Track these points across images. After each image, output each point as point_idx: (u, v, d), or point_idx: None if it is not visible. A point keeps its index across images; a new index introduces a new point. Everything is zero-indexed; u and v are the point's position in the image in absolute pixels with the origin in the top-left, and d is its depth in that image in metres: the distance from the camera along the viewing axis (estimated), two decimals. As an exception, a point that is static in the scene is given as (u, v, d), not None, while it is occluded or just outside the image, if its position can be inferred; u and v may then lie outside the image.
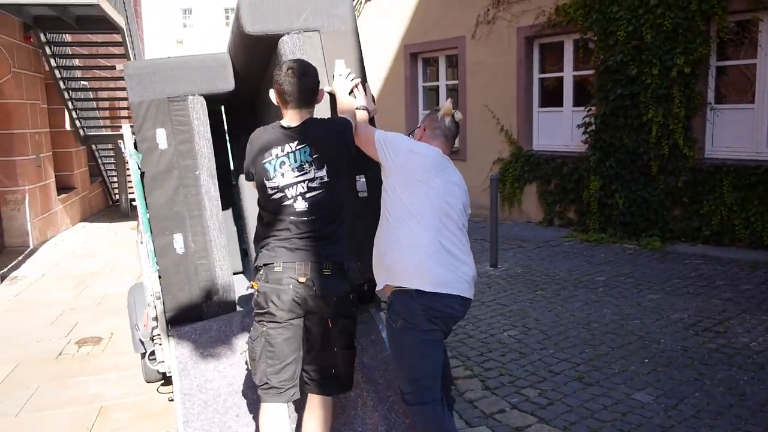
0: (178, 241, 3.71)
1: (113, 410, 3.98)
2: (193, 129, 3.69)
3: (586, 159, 8.22)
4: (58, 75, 10.69)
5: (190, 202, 3.70)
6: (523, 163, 9.19)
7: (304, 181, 2.68)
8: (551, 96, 9.19)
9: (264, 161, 2.72)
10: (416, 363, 2.74)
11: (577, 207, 8.52)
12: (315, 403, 2.82)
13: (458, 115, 2.95)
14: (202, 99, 3.71)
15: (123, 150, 3.54)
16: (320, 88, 2.83)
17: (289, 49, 3.32)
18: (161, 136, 3.64)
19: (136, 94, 3.62)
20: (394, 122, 11.18)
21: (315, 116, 2.84)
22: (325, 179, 2.70)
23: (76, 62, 11.70)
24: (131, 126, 3.63)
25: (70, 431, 3.70)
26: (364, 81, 3.28)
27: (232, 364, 3.48)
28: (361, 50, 3.44)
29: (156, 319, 3.65)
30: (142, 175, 3.59)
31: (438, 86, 10.89)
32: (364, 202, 3.31)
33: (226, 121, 4.80)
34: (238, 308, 3.99)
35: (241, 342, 3.59)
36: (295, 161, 2.69)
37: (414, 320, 2.70)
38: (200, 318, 3.78)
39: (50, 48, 10.41)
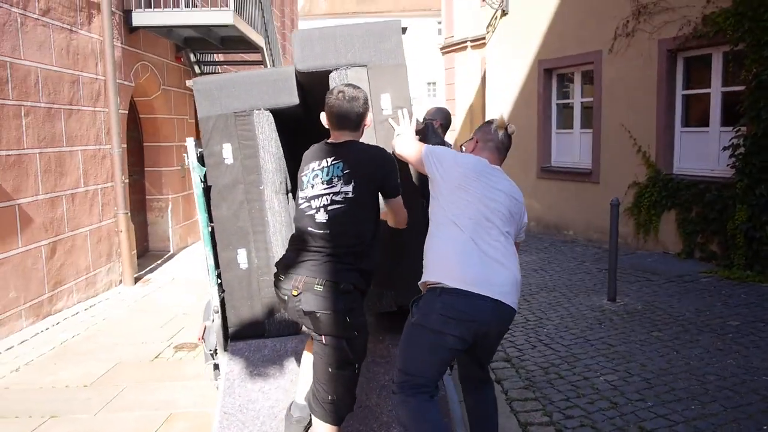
0: (242, 256, 3.70)
1: (179, 419, 4.04)
2: (258, 144, 3.67)
3: (733, 185, 7.29)
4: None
5: (254, 218, 3.68)
6: (661, 187, 8.36)
7: (329, 194, 2.73)
8: (696, 115, 8.30)
9: (302, 174, 2.85)
10: (414, 360, 2.69)
11: (720, 239, 7.57)
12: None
13: (512, 128, 3.00)
14: (268, 114, 3.68)
15: (186, 163, 3.58)
16: (368, 113, 2.93)
17: (334, 85, 3.38)
18: (227, 151, 3.66)
19: (204, 109, 3.67)
20: (526, 141, 10.72)
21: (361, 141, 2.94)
22: (350, 195, 2.71)
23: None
24: (196, 140, 3.67)
25: (133, 436, 3.78)
26: (409, 109, 3.39)
27: (278, 386, 3.40)
28: (407, 83, 3.48)
29: (213, 332, 3.65)
30: (205, 189, 3.62)
31: (572, 104, 10.27)
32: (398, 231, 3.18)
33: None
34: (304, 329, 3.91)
35: (293, 365, 3.49)
36: (327, 175, 2.75)
37: (427, 321, 2.65)
38: (263, 335, 3.73)
39: (199, 67, 11.18)
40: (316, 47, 3.49)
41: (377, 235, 2.86)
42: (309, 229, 2.73)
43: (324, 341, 2.68)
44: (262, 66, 11.17)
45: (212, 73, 11.66)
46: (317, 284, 2.63)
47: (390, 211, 2.98)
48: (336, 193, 2.72)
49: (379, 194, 2.84)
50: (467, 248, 2.67)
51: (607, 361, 4.72)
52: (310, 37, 3.51)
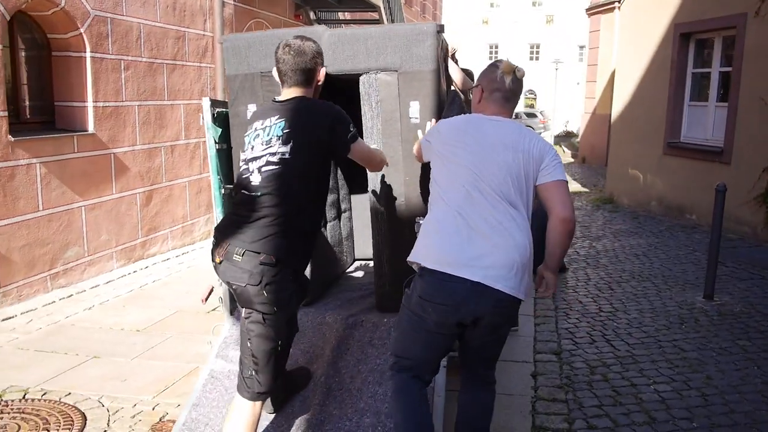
0: (260, 220, 3.64)
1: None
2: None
3: None
4: (326, 51, 11.55)
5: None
6: (801, 173, 7.25)
7: (266, 155, 2.56)
8: None
9: (246, 134, 2.69)
10: (400, 342, 2.59)
11: None
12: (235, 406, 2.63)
13: (521, 71, 2.61)
14: None
15: (201, 122, 3.56)
16: (320, 67, 2.73)
17: (365, 90, 3.40)
18: (251, 112, 3.59)
19: (232, 67, 3.62)
20: (653, 113, 9.75)
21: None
22: (286, 156, 2.54)
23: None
24: (213, 100, 3.63)
25: (153, 383, 3.92)
26: (437, 118, 3.17)
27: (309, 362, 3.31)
28: (440, 90, 3.37)
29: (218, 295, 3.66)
30: (219, 150, 3.59)
31: (710, 73, 9.13)
32: None
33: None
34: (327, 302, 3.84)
35: (308, 329, 3.41)
36: (267, 135, 2.59)
37: (409, 303, 2.51)
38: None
39: (319, 24, 11.27)
40: (347, 50, 3.40)
41: (318, 203, 2.69)
42: (243, 192, 2.58)
43: (243, 314, 2.57)
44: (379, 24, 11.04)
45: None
46: (236, 254, 2.47)
47: (361, 162, 2.78)
48: (272, 154, 2.55)
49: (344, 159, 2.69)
50: (452, 225, 2.40)
51: (668, 368, 4.19)
52: (341, 38, 3.40)
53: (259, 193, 2.53)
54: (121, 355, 4.36)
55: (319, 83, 2.74)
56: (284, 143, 2.55)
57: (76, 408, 3.55)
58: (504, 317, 2.49)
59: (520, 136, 2.48)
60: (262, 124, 2.64)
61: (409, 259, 2.56)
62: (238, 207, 2.61)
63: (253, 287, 2.47)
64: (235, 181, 2.77)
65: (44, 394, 3.72)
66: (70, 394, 3.73)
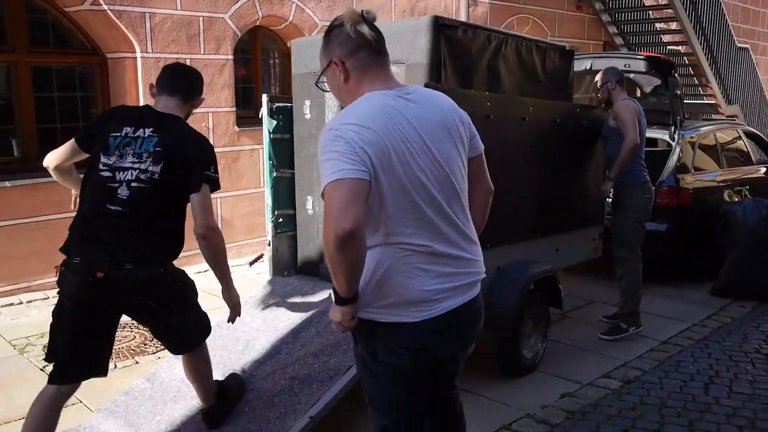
0: (309, 203, 4.19)
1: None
2: (324, 102, 4.01)
3: None
4: (620, 41, 10.94)
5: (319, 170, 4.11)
6: None
7: (137, 170, 2.57)
8: None
9: (112, 133, 2.63)
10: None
11: None
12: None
13: (370, 14, 1.98)
14: None
15: (259, 115, 4.19)
16: (197, 97, 2.83)
17: None
18: (307, 107, 4.13)
19: (295, 67, 4.21)
20: None
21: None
22: (156, 177, 2.57)
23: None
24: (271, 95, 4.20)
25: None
26: None
27: (268, 326, 3.81)
28: (439, 80, 3.48)
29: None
30: (272, 140, 4.17)
31: None
32: None
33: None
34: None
35: (298, 311, 3.86)
36: (140, 147, 2.59)
37: None
38: (317, 275, 4.19)
39: (611, 15, 10.72)
40: None
41: (176, 229, 2.71)
42: (107, 204, 2.56)
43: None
44: (670, 11, 9.95)
45: (630, 21, 10.98)
46: (127, 262, 2.54)
47: (194, 210, 2.63)
48: (143, 171, 2.56)
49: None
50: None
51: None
52: None
53: (129, 210, 2.55)
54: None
55: (191, 112, 2.83)
56: (155, 162, 2.57)
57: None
58: None
59: (438, 105, 2.01)
60: (134, 132, 2.61)
61: None
62: (94, 216, 2.58)
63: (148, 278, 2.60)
64: (89, 182, 2.65)
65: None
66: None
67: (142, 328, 4.71)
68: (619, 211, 4.58)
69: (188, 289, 2.92)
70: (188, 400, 3.24)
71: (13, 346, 4.35)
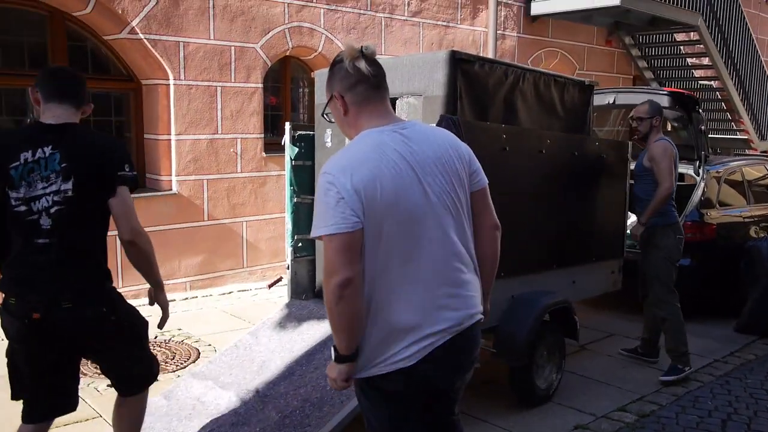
0: (329, 229, 4.27)
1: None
2: (346, 132, 4.12)
3: None
4: (649, 76, 10.95)
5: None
6: None
7: (50, 194, 2.37)
8: None
9: (11, 165, 2.37)
10: None
11: None
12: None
13: (369, 49, 2.05)
14: None
15: (282, 142, 4.32)
16: (87, 103, 2.60)
17: (398, 112, 3.77)
18: (328, 135, 4.25)
19: (318, 96, 4.35)
20: None
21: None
22: (69, 194, 2.38)
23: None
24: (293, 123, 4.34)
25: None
26: None
27: (283, 348, 3.88)
28: (455, 112, 3.58)
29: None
30: (293, 167, 4.29)
31: None
32: None
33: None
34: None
35: (312, 334, 3.92)
36: (45, 169, 2.37)
37: None
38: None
39: (641, 50, 10.74)
40: (389, 76, 3.76)
41: (102, 241, 2.54)
42: (33, 239, 2.38)
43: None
44: (701, 46, 9.94)
45: (660, 56, 10.99)
46: (65, 301, 2.40)
47: (114, 214, 2.46)
48: (56, 192, 2.37)
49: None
50: None
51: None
52: (386, 65, 3.79)
53: (56, 239, 2.38)
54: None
55: (84, 114, 2.57)
56: (65, 180, 2.37)
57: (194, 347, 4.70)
58: None
59: (436, 141, 2.07)
60: (33, 156, 2.37)
61: None
62: (27, 254, 2.40)
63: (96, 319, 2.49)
64: (8, 222, 2.41)
65: (185, 339, 4.98)
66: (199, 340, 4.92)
67: (164, 345, 4.83)
68: (652, 252, 4.48)
69: (136, 328, 2.74)
70: (202, 418, 3.33)
71: None
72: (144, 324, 2.78)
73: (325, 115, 2.23)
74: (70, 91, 2.51)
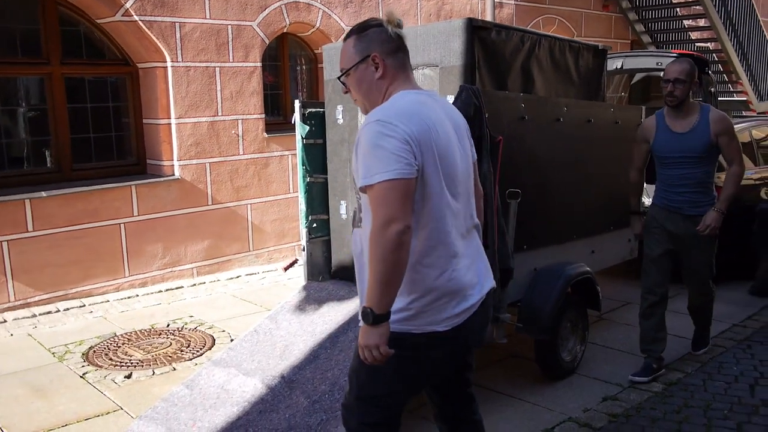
0: (343, 207, 4.19)
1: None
2: (357, 107, 3.99)
3: None
4: (647, 40, 10.82)
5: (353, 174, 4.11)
6: None
7: None
8: None
9: None
10: None
11: None
12: None
13: (401, 21, 2.09)
14: None
15: (292, 121, 4.20)
16: None
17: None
18: (339, 112, 4.13)
19: (327, 72, 4.21)
20: None
21: None
22: None
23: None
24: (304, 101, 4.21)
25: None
26: None
27: (305, 331, 3.80)
28: (473, 82, 3.43)
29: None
30: (305, 145, 4.17)
31: None
32: None
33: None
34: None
35: (331, 317, 3.84)
36: None
37: None
38: (352, 279, 4.19)
39: (638, 13, 10.60)
40: None
41: None
42: None
43: None
44: (699, 8, 9.81)
45: (657, 19, 10.84)
46: None
47: None
48: None
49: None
50: None
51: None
52: None
53: None
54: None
55: None
56: None
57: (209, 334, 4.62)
58: None
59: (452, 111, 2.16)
60: None
61: None
62: None
63: None
64: None
65: (198, 326, 4.90)
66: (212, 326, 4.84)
67: (177, 333, 4.75)
68: (706, 244, 3.87)
69: None
70: (228, 407, 3.26)
71: (53, 353, 4.40)
72: None
73: (342, 80, 2.15)
74: None
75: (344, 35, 2.05)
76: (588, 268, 3.97)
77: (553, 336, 3.74)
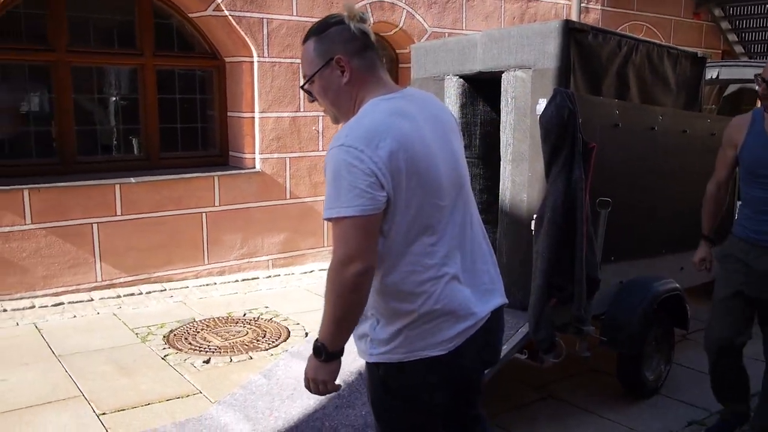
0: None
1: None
2: (441, 105, 3.97)
3: None
4: (739, 50, 10.38)
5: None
6: None
7: None
8: None
9: None
10: None
11: None
12: None
13: (365, 15, 1.87)
14: (457, 79, 3.93)
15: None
16: None
17: (504, 87, 3.58)
18: None
19: (414, 72, 4.21)
20: None
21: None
22: None
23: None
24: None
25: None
26: None
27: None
28: (568, 86, 3.34)
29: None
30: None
31: None
32: None
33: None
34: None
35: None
36: None
37: None
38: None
39: (731, 22, 10.17)
40: (494, 48, 3.62)
41: None
42: None
43: None
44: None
45: (752, 29, 10.38)
46: None
47: None
48: None
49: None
50: None
51: None
52: (491, 38, 3.66)
53: None
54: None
55: None
56: None
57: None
58: None
59: (443, 110, 1.98)
60: None
61: None
62: None
63: None
64: None
65: (273, 317, 4.97)
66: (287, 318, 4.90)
67: (254, 323, 4.83)
68: None
69: None
70: (305, 399, 3.27)
71: (136, 334, 4.56)
72: None
73: (305, 88, 1.90)
74: None
75: (303, 37, 1.89)
76: (677, 285, 3.80)
77: (638, 351, 3.60)
